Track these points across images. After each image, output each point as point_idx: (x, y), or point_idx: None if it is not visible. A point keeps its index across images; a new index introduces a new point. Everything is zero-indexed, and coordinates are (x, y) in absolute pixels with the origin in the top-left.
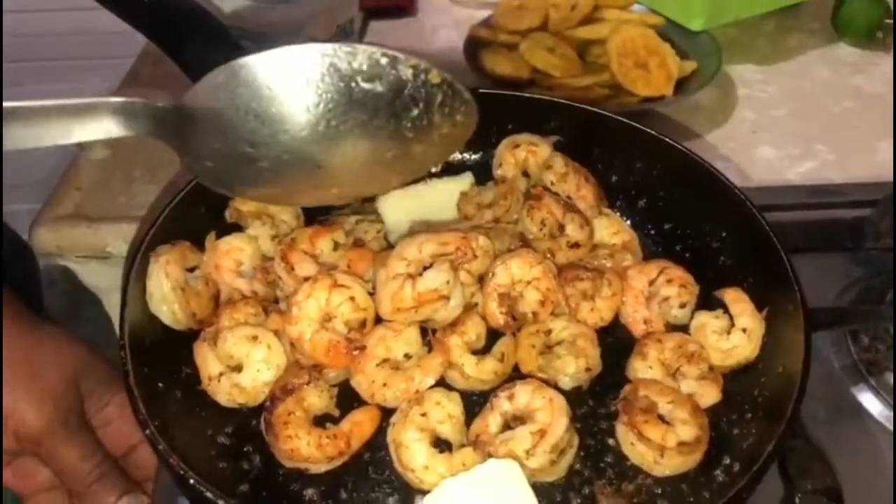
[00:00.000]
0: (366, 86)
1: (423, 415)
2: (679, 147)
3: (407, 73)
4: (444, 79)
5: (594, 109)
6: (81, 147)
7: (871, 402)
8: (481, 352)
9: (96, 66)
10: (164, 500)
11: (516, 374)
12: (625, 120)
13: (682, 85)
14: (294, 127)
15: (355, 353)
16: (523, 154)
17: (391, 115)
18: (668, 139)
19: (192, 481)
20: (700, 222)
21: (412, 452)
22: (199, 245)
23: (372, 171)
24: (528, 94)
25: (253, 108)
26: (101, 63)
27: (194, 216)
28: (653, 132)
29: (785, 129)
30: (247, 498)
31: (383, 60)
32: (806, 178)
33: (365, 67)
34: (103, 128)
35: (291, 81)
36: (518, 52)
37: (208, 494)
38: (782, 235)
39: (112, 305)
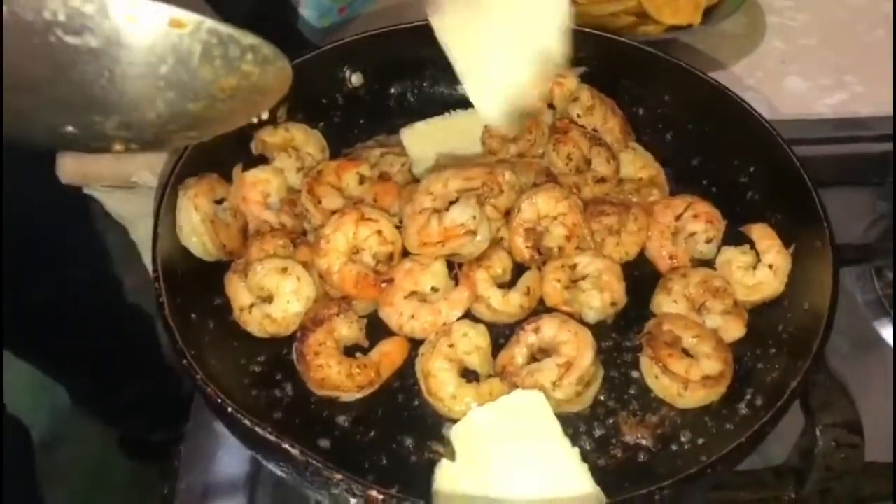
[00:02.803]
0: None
1: (451, 346)
2: (708, 79)
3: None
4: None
5: (622, 40)
6: None
7: (891, 336)
8: (507, 286)
9: None
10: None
11: (542, 308)
12: (653, 51)
13: (709, 12)
14: None
15: (383, 285)
16: (549, 86)
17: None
18: (697, 71)
19: (230, 409)
20: (728, 156)
21: (440, 382)
22: (227, 177)
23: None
24: None
25: None
26: None
27: (220, 148)
28: (682, 63)
29: (815, 59)
30: (281, 424)
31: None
32: (835, 110)
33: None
34: None
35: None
36: None
37: (246, 422)
38: (809, 169)
39: (138, 234)
